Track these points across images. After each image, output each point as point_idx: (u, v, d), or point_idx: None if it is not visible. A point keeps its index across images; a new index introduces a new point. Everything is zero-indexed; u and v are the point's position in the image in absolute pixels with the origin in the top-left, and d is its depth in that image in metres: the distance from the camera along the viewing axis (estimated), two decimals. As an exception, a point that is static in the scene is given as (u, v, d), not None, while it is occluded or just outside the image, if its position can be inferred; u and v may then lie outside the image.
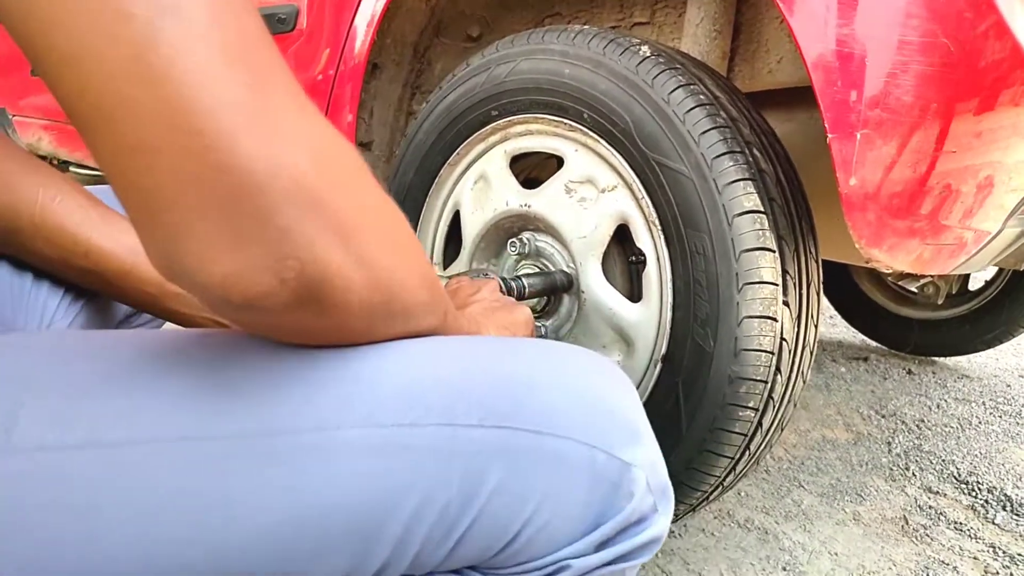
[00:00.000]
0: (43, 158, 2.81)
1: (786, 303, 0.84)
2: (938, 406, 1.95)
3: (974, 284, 2.33)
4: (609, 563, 0.42)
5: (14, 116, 2.56)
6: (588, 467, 0.42)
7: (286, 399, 0.39)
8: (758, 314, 0.81)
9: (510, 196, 1.04)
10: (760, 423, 0.86)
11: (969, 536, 1.26)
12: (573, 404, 0.43)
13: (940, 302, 2.30)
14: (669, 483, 0.46)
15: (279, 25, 1.43)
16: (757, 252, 0.81)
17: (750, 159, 0.83)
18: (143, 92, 0.30)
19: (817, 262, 0.92)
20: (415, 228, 1.17)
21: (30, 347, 0.44)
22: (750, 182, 0.82)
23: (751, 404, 0.84)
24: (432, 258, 1.18)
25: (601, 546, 0.42)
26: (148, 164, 0.31)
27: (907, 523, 1.28)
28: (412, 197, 1.17)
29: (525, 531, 0.40)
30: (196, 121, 0.31)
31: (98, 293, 0.69)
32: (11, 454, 0.36)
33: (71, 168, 2.99)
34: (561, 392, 0.43)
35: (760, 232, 0.81)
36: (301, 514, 0.37)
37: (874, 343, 2.57)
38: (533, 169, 1.27)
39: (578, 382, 0.44)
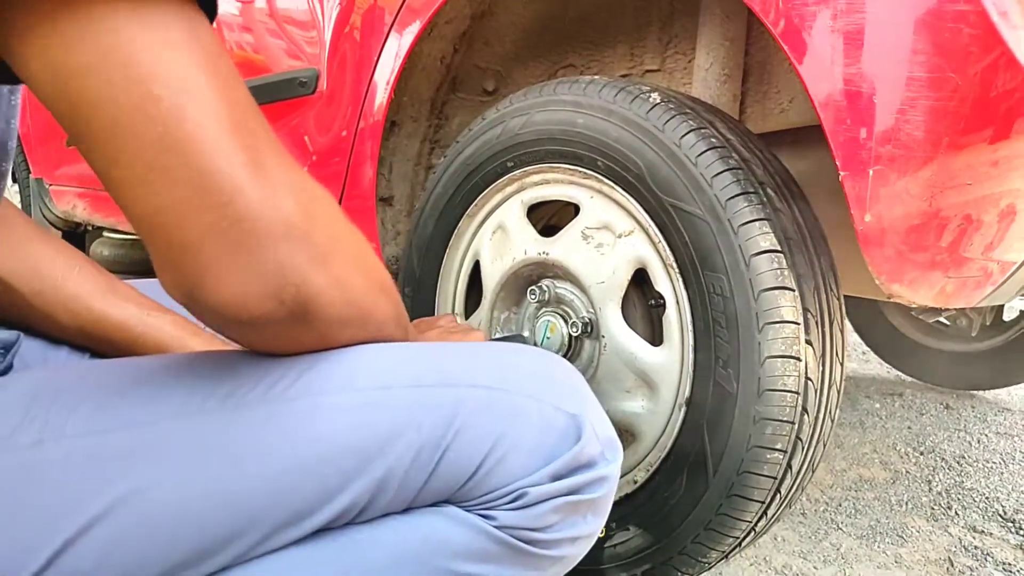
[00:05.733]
0: (78, 224, 2.89)
1: (809, 342, 0.83)
2: (979, 441, 1.90)
3: (1009, 314, 2.28)
4: (564, 494, 0.50)
5: (50, 185, 2.65)
6: (537, 415, 0.51)
7: (281, 377, 0.48)
8: (780, 354, 0.81)
9: (528, 245, 1.05)
10: (789, 465, 0.85)
11: (1019, 577, 1.21)
12: (521, 372, 0.53)
13: (974, 334, 2.25)
14: (617, 439, 0.54)
15: (300, 88, 1.48)
16: (776, 291, 0.81)
17: (764, 199, 0.84)
18: (171, 160, 0.38)
19: (839, 299, 0.91)
20: (436, 279, 1.19)
21: (61, 372, 0.56)
22: (765, 222, 0.82)
23: (778, 446, 0.82)
24: (454, 308, 1.19)
25: (554, 479, 0.50)
26: (176, 219, 0.39)
27: (952, 565, 1.24)
28: (432, 249, 1.18)
29: (485, 464, 0.49)
30: (214, 182, 0.39)
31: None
32: (58, 439, 0.46)
33: (105, 233, 3.08)
34: (511, 365, 0.54)
35: (778, 271, 0.81)
36: (299, 464, 0.47)
37: (908, 378, 2.51)
38: (552, 217, 1.28)
39: (524, 358, 0.55)
